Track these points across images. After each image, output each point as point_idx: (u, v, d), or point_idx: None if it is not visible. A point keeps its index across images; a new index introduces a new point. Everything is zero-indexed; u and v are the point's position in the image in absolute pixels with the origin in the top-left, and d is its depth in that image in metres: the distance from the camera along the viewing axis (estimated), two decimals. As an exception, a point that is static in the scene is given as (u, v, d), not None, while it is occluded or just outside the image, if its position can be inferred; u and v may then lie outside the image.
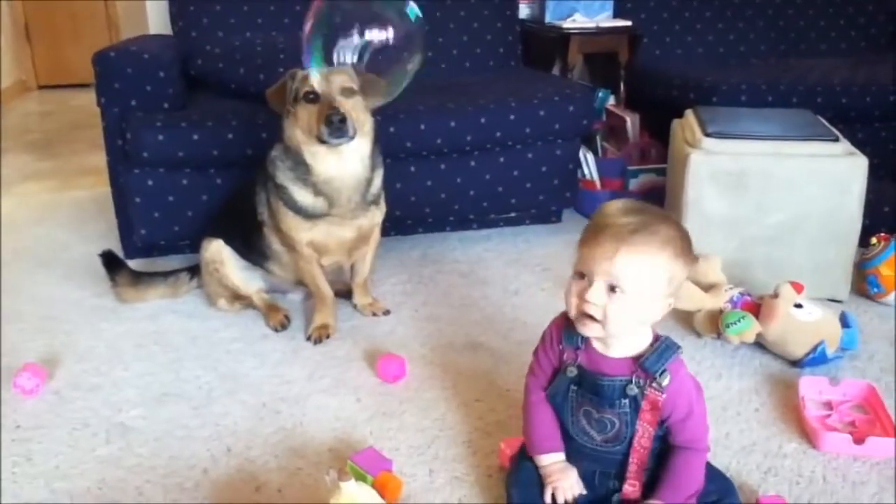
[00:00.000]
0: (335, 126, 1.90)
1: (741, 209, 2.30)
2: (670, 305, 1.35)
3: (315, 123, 1.94)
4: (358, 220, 2.13)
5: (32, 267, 2.68)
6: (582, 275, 1.32)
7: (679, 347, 1.38)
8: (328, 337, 2.16)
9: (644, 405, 1.36)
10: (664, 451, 1.41)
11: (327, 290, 2.21)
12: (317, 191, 2.05)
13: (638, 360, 1.36)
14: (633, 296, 1.29)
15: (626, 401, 1.36)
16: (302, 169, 2.04)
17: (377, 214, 2.19)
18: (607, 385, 1.37)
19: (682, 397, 1.36)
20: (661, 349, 1.36)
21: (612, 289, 1.29)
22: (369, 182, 2.10)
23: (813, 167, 2.26)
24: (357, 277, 2.32)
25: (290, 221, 2.10)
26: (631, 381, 1.36)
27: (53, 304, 2.39)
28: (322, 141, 1.95)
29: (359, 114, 1.99)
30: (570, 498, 1.39)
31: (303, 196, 2.06)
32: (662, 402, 1.35)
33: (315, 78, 1.96)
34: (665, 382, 1.34)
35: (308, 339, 2.16)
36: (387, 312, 2.31)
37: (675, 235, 1.31)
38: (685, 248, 1.33)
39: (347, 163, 2.02)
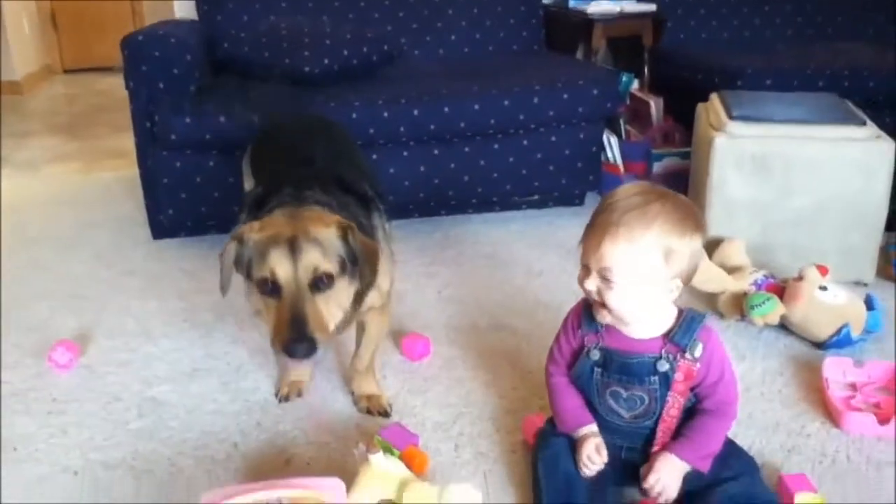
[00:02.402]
0: (298, 354, 1.38)
1: (766, 193, 2.30)
2: (680, 286, 1.35)
3: (273, 331, 1.42)
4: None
5: (61, 246, 2.73)
6: (584, 265, 1.36)
7: (705, 315, 1.41)
8: (299, 395, 1.83)
9: (677, 377, 1.37)
10: (689, 415, 1.43)
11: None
12: None
13: (667, 336, 1.38)
14: (624, 283, 1.31)
15: (657, 377, 1.38)
16: None
17: (372, 298, 1.65)
18: (636, 363, 1.39)
19: (715, 361, 1.39)
20: (688, 322, 1.39)
21: (604, 279, 1.32)
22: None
23: (839, 151, 2.25)
24: (356, 361, 1.80)
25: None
26: (661, 357, 1.38)
27: (83, 283, 2.44)
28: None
29: (337, 305, 1.46)
30: (594, 470, 1.41)
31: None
32: (697, 371, 1.37)
33: (275, 259, 1.39)
34: (697, 353, 1.37)
35: (276, 395, 1.83)
36: (386, 414, 1.76)
37: (666, 210, 1.30)
38: (682, 220, 1.31)
39: None
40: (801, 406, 1.77)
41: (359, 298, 1.57)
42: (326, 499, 1.29)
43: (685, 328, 1.38)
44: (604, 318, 1.38)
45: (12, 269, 2.54)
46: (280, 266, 1.38)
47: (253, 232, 1.44)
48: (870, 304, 2.01)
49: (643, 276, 1.31)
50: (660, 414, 1.40)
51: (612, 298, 1.33)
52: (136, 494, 1.53)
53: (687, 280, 1.37)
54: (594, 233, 1.33)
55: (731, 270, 2.16)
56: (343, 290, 1.46)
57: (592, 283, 1.34)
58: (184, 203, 2.62)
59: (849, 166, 2.25)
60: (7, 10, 5.39)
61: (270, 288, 1.40)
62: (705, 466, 1.39)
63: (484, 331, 2.12)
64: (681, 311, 1.41)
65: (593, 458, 1.41)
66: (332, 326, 1.44)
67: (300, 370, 1.85)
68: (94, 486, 1.55)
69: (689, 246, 1.32)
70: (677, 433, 1.42)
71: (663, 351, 1.38)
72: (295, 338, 1.36)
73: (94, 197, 3.26)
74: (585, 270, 1.36)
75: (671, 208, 1.31)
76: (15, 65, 5.54)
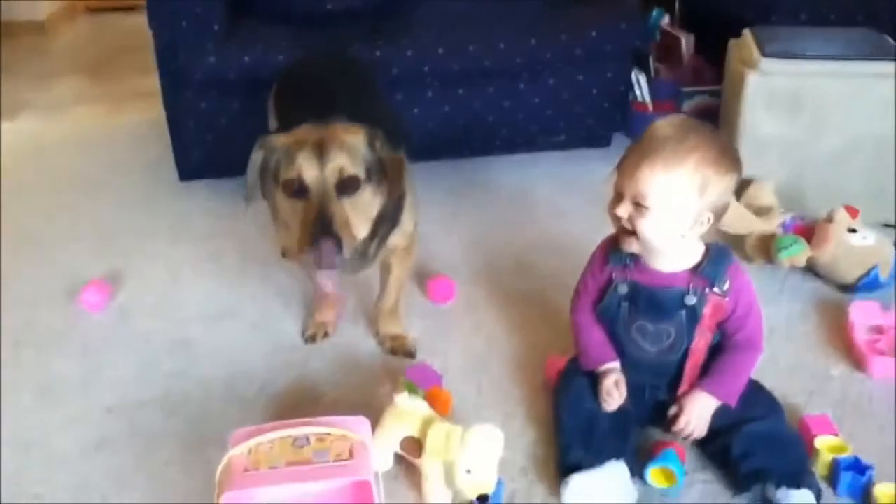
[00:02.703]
0: (325, 249, 1.38)
1: (797, 132, 2.25)
2: (711, 219, 1.36)
3: (298, 234, 1.43)
4: (359, 272, 1.68)
5: (90, 189, 2.75)
6: (618, 192, 1.36)
7: (731, 249, 1.42)
8: (326, 336, 1.85)
9: (706, 311, 1.39)
10: (715, 354, 1.44)
11: (327, 286, 1.83)
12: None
13: (694, 270, 1.39)
14: (658, 210, 1.31)
15: (684, 311, 1.40)
16: None
17: (397, 239, 1.66)
18: (664, 296, 1.40)
19: (743, 295, 1.41)
20: (716, 257, 1.40)
21: (637, 205, 1.32)
22: (373, 239, 1.58)
23: (874, 88, 2.19)
24: (382, 302, 1.82)
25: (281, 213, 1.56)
26: (689, 292, 1.38)
27: (111, 226, 2.47)
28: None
29: (363, 213, 1.47)
30: (613, 405, 1.43)
31: (285, 234, 1.61)
32: (726, 304, 1.39)
33: (302, 160, 1.41)
34: (726, 286, 1.38)
35: (303, 336, 1.86)
36: (411, 355, 1.78)
37: (705, 142, 1.31)
38: (719, 154, 1.32)
39: None
40: (826, 349, 1.77)
41: (386, 222, 1.56)
42: (353, 436, 1.32)
43: (713, 262, 1.39)
44: (630, 245, 1.38)
45: (40, 211, 2.57)
46: (307, 167, 1.40)
47: (279, 139, 1.46)
48: (900, 247, 1.98)
49: (677, 205, 1.31)
50: (687, 349, 1.41)
51: (643, 226, 1.33)
52: (167, 431, 1.58)
53: (718, 215, 1.37)
54: (632, 159, 1.34)
55: (759, 212, 2.13)
56: (368, 199, 1.47)
57: (625, 210, 1.34)
58: (210, 145, 2.62)
59: (883, 104, 2.19)
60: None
61: (297, 189, 1.41)
62: (734, 401, 1.41)
63: (508, 273, 2.13)
64: (708, 247, 1.42)
65: (612, 392, 1.43)
66: (356, 232, 1.44)
67: (326, 310, 1.86)
68: (128, 423, 1.61)
69: (723, 181, 1.33)
70: (704, 371, 1.43)
71: (691, 285, 1.39)
72: (321, 235, 1.36)
73: (121, 139, 3.27)
74: (618, 197, 1.36)
75: (711, 142, 1.33)
76: (38, 3, 5.51)
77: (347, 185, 1.42)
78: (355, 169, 1.42)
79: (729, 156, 1.34)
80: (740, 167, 1.37)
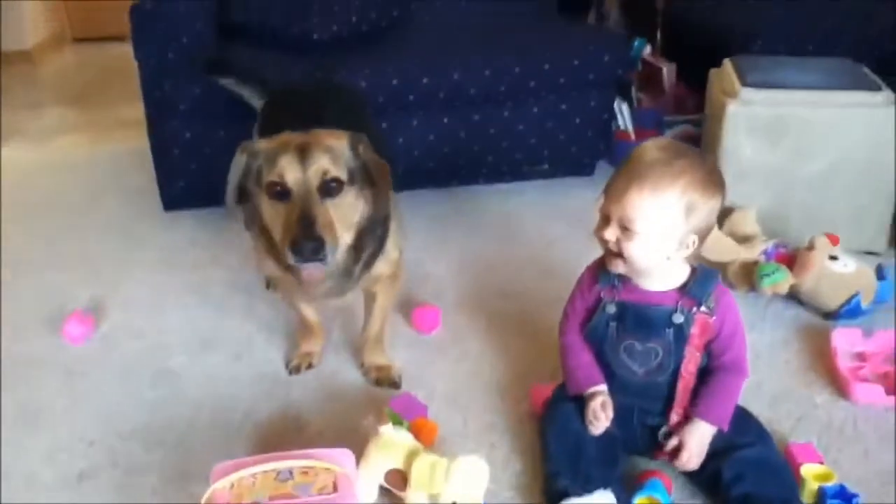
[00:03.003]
0: (305, 252, 1.38)
1: (778, 160, 2.27)
2: (696, 242, 1.37)
3: (280, 234, 1.43)
4: (344, 295, 1.64)
5: (74, 217, 2.74)
6: (604, 215, 1.38)
7: (718, 272, 1.44)
8: (310, 366, 1.83)
9: (693, 330, 1.40)
10: (703, 378, 1.44)
11: (311, 317, 1.82)
12: (283, 266, 1.54)
13: (682, 290, 1.40)
14: (645, 234, 1.33)
15: (671, 330, 1.40)
16: (268, 238, 1.53)
17: (381, 266, 1.65)
18: (652, 314, 1.41)
19: (730, 315, 1.42)
20: (703, 276, 1.42)
21: (624, 228, 1.34)
22: (358, 260, 1.57)
23: (853, 117, 2.22)
24: (366, 332, 1.80)
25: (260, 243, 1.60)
26: (676, 310, 1.40)
27: (95, 254, 2.46)
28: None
29: (346, 216, 1.46)
30: (600, 427, 1.43)
31: (267, 262, 1.62)
32: (713, 323, 1.40)
33: (285, 162, 1.41)
34: (713, 305, 1.39)
35: (287, 366, 1.84)
36: (396, 386, 1.77)
37: (692, 166, 1.34)
38: (705, 178, 1.34)
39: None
40: (810, 376, 1.77)
41: (372, 240, 1.56)
42: (336, 469, 1.31)
43: (700, 282, 1.41)
44: (617, 267, 1.40)
45: (25, 239, 2.56)
46: (290, 169, 1.40)
47: (262, 144, 1.48)
48: (880, 274, 2.00)
49: (664, 227, 1.33)
50: (676, 369, 1.42)
51: (630, 248, 1.35)
52: (149, 463, 1.56)
53: (703, 238, 1.39)
54: (619, 182, 1.35)
55: (741, 240, 2.15)
56: (352, 201, 1.47)
57: (612, 233, 1.36)
58: (194, 174, 2.62)
59: (863, 133, 2.22)
60: (15, -22, 5.36)
61: (279, 192, 1.42)
62: (726, 426, 1.41)
63: (494, 301, 2.13)
64: (694, 268, 1.44)
65: (598, 413, 1.42)
66: (339, 234, 1.44)
67: (312, 340, 1.86)
68: (109, 454, 1.59)
69: (709, 204, 1.35)
70: (694, 395, 1.43)
71: (679, 304, 1.40)
72: (303, 235, 1.36)
73: (106, 168, 3.26)
74: (605, 220, 1.38)
75: (697, 166, 1.35)
76: (24, 34, 5.52)
77: (330, 187, 1.43)
78: (338, 171, 1.43)
79: (714, 179, 1.36)
80: (725, 190, 1.39)
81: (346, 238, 1.48)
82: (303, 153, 1.41)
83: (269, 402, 1.73)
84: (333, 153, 1.44)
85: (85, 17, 6.57)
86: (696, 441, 1.40)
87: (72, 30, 6.59)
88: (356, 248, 1.54)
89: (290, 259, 1.40)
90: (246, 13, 2.75)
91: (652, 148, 1.37)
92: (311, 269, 1.42)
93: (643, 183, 1.31)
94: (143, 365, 1.88)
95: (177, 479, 1.51)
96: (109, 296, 2.19)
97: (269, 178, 1.42)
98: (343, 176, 1.44)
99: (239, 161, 1.48)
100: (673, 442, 1.42)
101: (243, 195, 1.55)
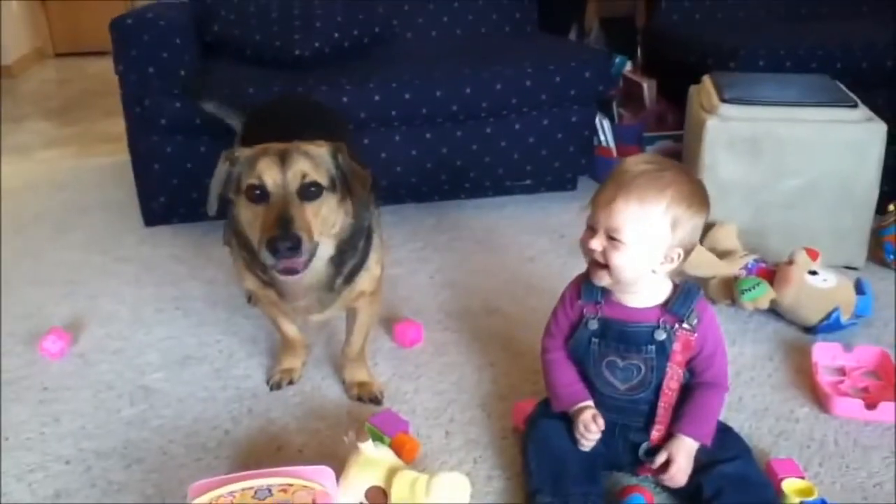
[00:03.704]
0: (281, 249, 1.37)
1: (757, 175, 2.29)
2: (681, 255, 1.38)
3: (258, 237, 1.42)
4: (325, 311, 1.65)
5: (54, 232, 2.72)
6: (591, 226, 1.38)
7: (700, 287, 1.44)
8: (291, 383, 1.82)
9: (675, 347, 1.40)
10: (684, 394, 1.44)
11: (292, 332, 1.81)
12: (264, 280, 1.59)
13: (664, 306, 1.40)
14: (631, 244, 1.34)
15: (653, 346, 1.40)
16: (249, 252, 1.55)
17: (363, 282, 1.65)
18: (634, 331, 1.41)
19: (711, 332, 1.42)
20: (685, 293, 1.42)
21: (611, 238, 1.34)
22: (339, 273, 1.59)
23: (830, 133, 2.24)
24: (347, 348, 1.80)
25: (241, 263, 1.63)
26: (658, 327, 1.40)
27: (76, 269, 2.44)
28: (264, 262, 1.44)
29: (324, 221, 1.46)
30: (591, 440, 1.43)
31: (248, 277, 1.63)
32: (695, 341, 1.40)
33: (264, 166, 1.42)
34: (695, 322, 1.40)
35: (267, 383, 1.83)
36: (377, 402, 1.76)
37: (679, 179, 1.35)
38: (692, 193, 1.36)
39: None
40: (790, 391, 1.78)
41: (352, 251, 1.57)
42: (316, 486, 1.30)
43: (682, 299, 1.41)
44: (602, 279, 1.39)
45: (4, 254, 2.53)
46: (269, 172, 1.41)
47: (244, 151, 1.48)
48: (860, 289, 2.01)
49: (650, 239, 1.34)
50: (658, 386, 1.42)
51: (616, 259, 1.35)
52: (127, 482, 1.54)
53: (688, 253, 1.39)
54: (607, 192, 1.36)
55: (722, 255, 2.16)
56: (331, 206, 1.47)
57: (598, 243, 1.36)
58: (176, 189, 2.61)
59: (840, 149, 2.24)
60: (-4, -7, 5.35)
61: (258, 194, 1.42)
62: (709, 441, 1.41)
63: (476, 316, 2.13)
64: (676, 285, 1.44)
65: (590, 425, 1.41)
66: (317, 236, 1.44)
67: (292, 356, 1.85)
68: (86, 474, 1.56)
69: (694, 218, 1.36)
70: (676, 412, 1.43)
71: (661, 320, 1.40)
72: (280, 235, 1.36)
73: (87, 182, 3.25)
74: (591, 231, 1.38)
75: (684, 179, 1.36)
76: (5, 48, 5.50)
77: (309, 191, 1.43)
78: (318, 176, 1.44)
79: (700, 193, 1.38)
80: (709, 208, 1.40)
81: (325, 245, 1.49)
82: (283, 157, 1.43)
83: (249, 419, 1.72)
84: (313, 159, 1.46)
85: (67, 31, 6.57)
86: (684, 456, 1.40)
87: (54, 44, 6.58)
88: (337, 260, 1.55)
89: (267, 259, 1.40)
90: (227, 29, 2.76)
91: (640, 160, 1.39)
92: (287, 264, 1.41)
93: (630, 192, 1.32)
94: (122, 381, 1.85)
95: (155, 497, 1.49)
96: (88, 311, 2.17)
97: (249, 180, 1.43)
98: (323, 181, 1.45)
99: (221, 169, 1.50)
100: (662, 457, 1.41)
101: (224, 207, 1.55)
